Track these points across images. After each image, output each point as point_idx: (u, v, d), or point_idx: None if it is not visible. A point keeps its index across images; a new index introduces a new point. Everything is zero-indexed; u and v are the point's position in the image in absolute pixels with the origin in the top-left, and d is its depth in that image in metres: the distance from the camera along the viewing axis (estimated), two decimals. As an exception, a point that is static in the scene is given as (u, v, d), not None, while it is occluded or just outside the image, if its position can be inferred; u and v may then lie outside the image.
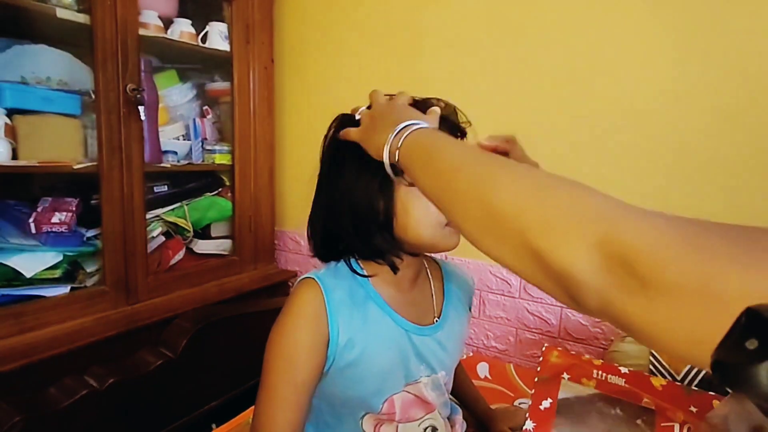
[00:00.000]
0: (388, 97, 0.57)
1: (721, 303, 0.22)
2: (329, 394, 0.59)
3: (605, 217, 0.28)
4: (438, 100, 0.60)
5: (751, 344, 0.19)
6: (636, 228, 0.27)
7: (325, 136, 0.62)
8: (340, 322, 0.56)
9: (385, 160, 0.46)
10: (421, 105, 0.57)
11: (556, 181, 0.33)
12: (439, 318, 0.65)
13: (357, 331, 0.57)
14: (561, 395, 0.59)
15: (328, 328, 0.55)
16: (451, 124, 0.59)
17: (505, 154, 0.58)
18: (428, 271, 0.69)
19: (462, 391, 0.83)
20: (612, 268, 0.27)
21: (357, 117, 0.56)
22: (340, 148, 0.58)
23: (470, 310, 0.75)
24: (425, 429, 0.63)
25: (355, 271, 0.60)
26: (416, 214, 0.55)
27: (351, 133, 0.54)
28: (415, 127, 0.45)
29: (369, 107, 0.57)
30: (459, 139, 0.60)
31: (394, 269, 0.59)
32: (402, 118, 0.47)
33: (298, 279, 0.60)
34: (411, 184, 0.46)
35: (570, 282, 0.29)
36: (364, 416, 0.60)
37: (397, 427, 0.61)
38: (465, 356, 1.20)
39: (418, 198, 0.54)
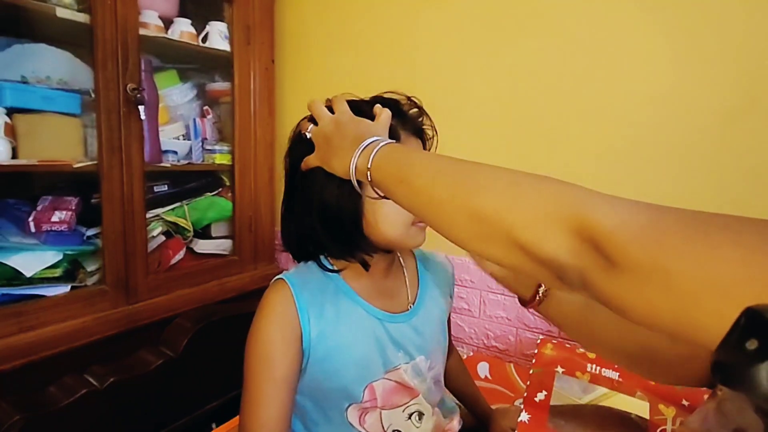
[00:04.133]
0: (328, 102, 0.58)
1: (672, 278, 0.25)
2: (312, 388, 0.61)
3: (577, 206, 0.31)
4: (385, 95, 0.62)
5: (751, 344, 0.19)
6: (603, 213, 0.30)
7: (289, 148, 0.64)
8: (311, 317, 0.59)
9: (352, 179, 0.48)
10: (365, 105, 0.59)
11: (528, 178, 0.36)
12: (413, 304, 0.68)
13: (329, 324, 0.60)
14: (555, 387, 0.59)
15: (299, 325, 0.58)
16: (408, 120, 0.60)
17: None
18: (401, 260, 0.71)
19: (462, 391, 0.84)
20: (587, 251, 0.30)
21: (308, 136, 0.57)
22: (306, 155, 0.59)
23: (452, 297, 0.77)
24: (410, 414, 0.65)
25: (324, 268, 0.63)
26: (383, 217, 0.58)
27: (311, 160, 0.56)
28: (380, 145, 0.46)
29: (310, 118, 0.58)
30: (420, 125, 0.62)
31: (366, 266, 0.62)
32: (360, 135, 0.48)
33: (272, 281, 0.63)
34: (382, 197, 0.47)
35: (556, 266, 0.32)
36: (348, 408, 0.61)
37: (380, 414, 0.62)
38: (465, 356, 1.20)
39: (384, 202, 0.56)
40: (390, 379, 0.63)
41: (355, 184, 0.49)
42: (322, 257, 0.64)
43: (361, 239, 0.59)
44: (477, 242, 0.37)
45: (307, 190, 0.59)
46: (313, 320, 0.59)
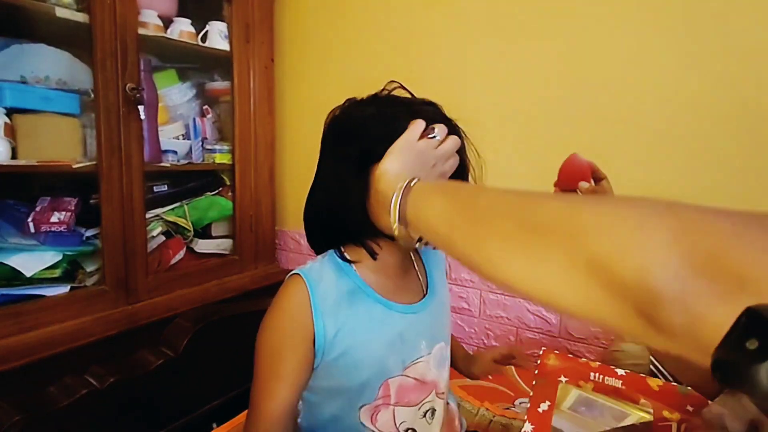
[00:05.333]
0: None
1: None
2: (326, 387, 0.60)
3: (675, 211, 0.23)
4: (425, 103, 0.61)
5: (752, 344, 0.19)
6: (715, 220, 0.21)
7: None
8: (327, 314, 0.58)
9: (393, 231, 0.45)
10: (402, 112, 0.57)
11: (610, 199, 0.27)
12: (427, 293, 0.68)
13: (346, 322, 0.58)
14: (559, 398, 0.59)
15: (312, 322, 0.57)
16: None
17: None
18: (411, 254, 0.70)
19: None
20: (700, 268, 0.20)
21: (436, 137, 0.55)
22: (328, 135, 0.60)
23: (446, 275, 0.77)
24: (425, 413, 0.64)
25: (343, 258, 0.61)
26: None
27: (382, 165, 0.50)
28: (414, 182, 0.44)
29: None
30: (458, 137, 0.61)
31: (373, 255, 0.60)
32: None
33: (288, 275, 0.61)
34: (418, 240, 0.45)
35: (645, 294, 0.22)
36: (362, 407, 0.61)
37: (393, 411, 0.62)
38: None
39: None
40: (408, 376, 0.62)
41: (395, 230, 0.45)
42: (337, 251, 0.63)
43: (365, 221, 0.56)
44: (522, 258, 0.27)
45: (322, 169, 0.61)
46: (327, 319, 0.58)
